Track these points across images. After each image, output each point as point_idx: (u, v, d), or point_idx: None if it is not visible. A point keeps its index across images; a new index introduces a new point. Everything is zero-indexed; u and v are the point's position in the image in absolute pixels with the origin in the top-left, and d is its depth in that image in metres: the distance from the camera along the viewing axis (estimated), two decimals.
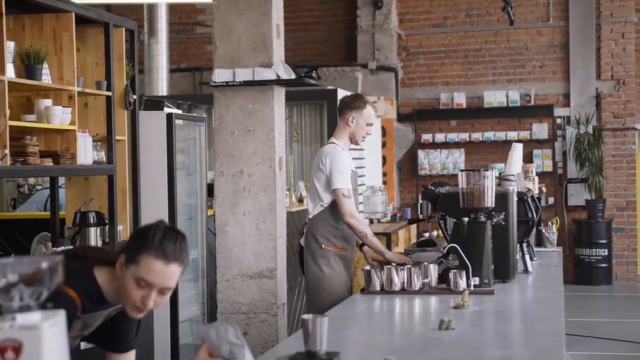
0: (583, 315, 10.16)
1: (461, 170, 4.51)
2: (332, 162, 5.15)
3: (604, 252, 12.28)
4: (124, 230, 5.86)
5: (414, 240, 10.48)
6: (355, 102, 5.34)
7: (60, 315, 1.82)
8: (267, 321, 5.78)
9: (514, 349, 3.09)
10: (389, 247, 8.68)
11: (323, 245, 5.23)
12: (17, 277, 1.78)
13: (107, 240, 5.62)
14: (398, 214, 11.47)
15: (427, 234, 12.25)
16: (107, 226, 5.59)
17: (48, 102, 5.03)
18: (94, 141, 5.49)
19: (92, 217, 5.46)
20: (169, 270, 2.58)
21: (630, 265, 12.68)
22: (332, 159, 5.17)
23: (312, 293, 5.27)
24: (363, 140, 5.44)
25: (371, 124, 5.37)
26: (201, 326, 2.40)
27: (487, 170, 4.48)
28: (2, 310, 1.79)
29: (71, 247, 4.93)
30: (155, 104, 6.45)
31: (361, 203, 9.89)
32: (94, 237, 5.47)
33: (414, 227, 11.38)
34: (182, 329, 6.50)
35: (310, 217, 5.36)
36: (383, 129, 12.51)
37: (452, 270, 4.28)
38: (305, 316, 2.76)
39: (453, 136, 12.92)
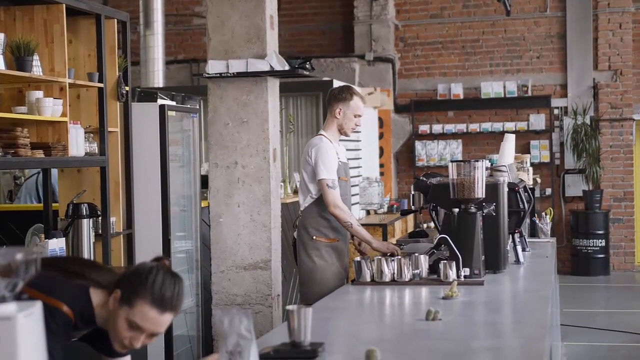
0: (580, 306, 10.17)
1: (451, 161, 4.52)
2: (317, 153, 5.18)
3: (601, 242, 12.29)
4: (117, 222, 5.86)
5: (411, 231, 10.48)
6: (342, 93, 5.36)
7: (36, 306, 1.82)
8: (261, 312, 5.79)
9: (498, 339, 3.10)
10: (384, 239, 8.69)
11: (314, 237, 5.25)
12: None
13: (99, 232, 5.62)
14: (395, 205, 11.47)
15: (424, 225, 12.27)
16: (99, 218, 5.59)
17: (39, 93, 5.02)
18: (86, 133, 5.48)
19: (84, 209, 5.45)
20: (163, 318, 2.60)
21: (628, 255, 12.68)
22: (317, 150, 5.20)
23: (305, 284, 5.29)
24: (353, 131, 5.44)
25: (359, 115, 5.36)
26: (219, 310, 2.46)
27: (478, 161, 4.47)
28: None
29: (65, 257, 4.86)
30: (149, 95, 6.45)
31: (357, 194, 9.91)
32: (87, 228, 5.47)
33: (410, 218, 11.39)
34: (176, 320, 6.49)
35: (301, 209, 5.38)
36: (380, 120, 12.51)
37: (442, 261, 4.28)
38: (290, 307, 2.78)
39: (450, 127, 12.91)
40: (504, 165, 5.19)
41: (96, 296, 2.68)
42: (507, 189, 4.83)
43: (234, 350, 2.78)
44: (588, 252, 12.29)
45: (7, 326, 1.75)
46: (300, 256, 5.31)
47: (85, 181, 5.75)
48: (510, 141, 5.55)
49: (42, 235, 5.48)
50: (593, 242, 12.28)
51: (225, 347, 2.79)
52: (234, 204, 5.87)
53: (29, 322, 1.79)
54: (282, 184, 8.26)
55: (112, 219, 5.76)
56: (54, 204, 5.79)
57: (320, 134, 5.38)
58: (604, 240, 12.30)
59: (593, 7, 12.63)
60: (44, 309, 2.09)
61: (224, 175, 6.13)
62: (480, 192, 4.44)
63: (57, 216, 5.74)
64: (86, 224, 5.47)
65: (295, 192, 8.10)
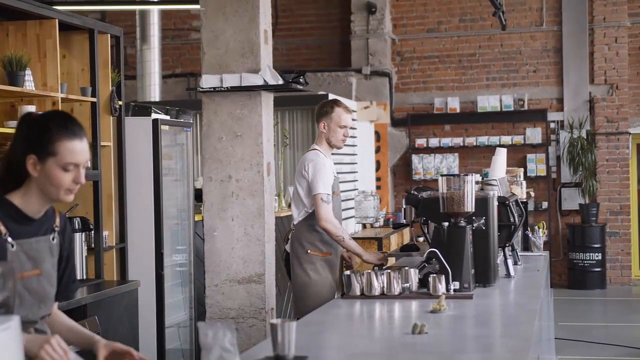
0: (576, 319, 10.17)
1: (441, 175, 4.53)
2: (315, 169, 5.22)
3: (597, 256, 12.29)
4: (109, 236, 5.87)
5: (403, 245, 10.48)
6: (323, 108, 5.45)
7: (14, 321, 1.84)
8: (255, 326, 5.79)
9: (483, 352, 3.10)
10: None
11: (309, 251, 5.27)
12: None
13: (92, 246, 5.63)
14: (392, 219, 11.48)
15: (421, 239, 12.27)
16: (92, 232, 5.60)
17: (32, 108, 5.05)
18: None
19: (77, 223, 5.47)
20: (84, 145, 2.75)
21: (624, 269, 12.68)
22: (315, 165, 5.23)
23: (299, 298, 5.31)
24: (344, 142, 5.47)
25: (344, 126, 5.39)
26: (202, 323, 2.49)
27: (467, 175, 4.49)
28: None
29: None
30: (143, 109, 6.47)
31: (352, 208, 9.92)
32: (79, 243, 5.48)
33: (407, 231, 11.39)
34: (169, 334, 6.51)
35: (294, 222, 5.40)
36: (377, 134, 12.54)
37: (432, 275, 4.29)
38: (274, 321, 2.79)
39: (447, 141, 12.94)
40: (495, 180, 5.20)
41: (14, 197, 2.74)
42: (498, 203, 4.84)
43: None
44: (584, 265, 12.29)
45: None
46: (295, 270, 5.33)
47: (78, 195, 5.71)
48: (501, 155, 5.57)
49: None
50: (589, 256, 12.28)
51: None
52: (228, 218, 5.88)
53: (6, 336, 1.80)
54: (277, 197, 8.29)
55: (105, 233, 5.78)
56: None
57: (315, 149, 5.41)
58: (600, 254, 12.30)
59: (589, 21, 12.68)
60: None
61: (218, 189, 6.14)
62: (470, 206, 4.45)
63: None
64: (79, 238, 5.49)
65: (290, 205, 8.11)
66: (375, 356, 2.97)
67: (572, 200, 12.64)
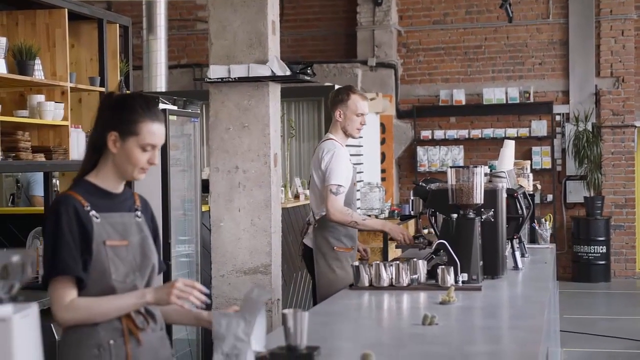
0: (580, 312, 10.18)
1: (450, 167, 4.52)
2: (332, 159, 5.14)
3: (602, 249, 12.29)
4: None
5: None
6: (338, 95, 5.33)
7: (32, 308, 1.84)
8: None
9: (493, 344, 3.11)
10: (385, 243, 8.67)
11: (335, 247, 5.20)
12: None
13: None
14: (397, 211, 11.48)
15: (425, 231, 12.27)
16: None
17: (41, 97, 5.05)
18: (87, 137, 5.52)
19: None
20: (163, 128, 2.87)
21: (629, 262, 12.68)
22: (331, 155, 5.15)
23: (324, 295, 5.19)
24: (360, 132, 5.37)
25: (361, 114, 5.30)
26: (216, 312, 2.56)
27: (476, 167, 4.49)
28: None
29: None
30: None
31: (358, 199, 9.92)
32: None
33: (412, 223, 11.39)
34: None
35: (317, 217, 5.31)
36: (382, 126, 12.53)
37: (440, 267, 4.29)
38: (286, 311, 2.79)
39: (452, 133, 12.93)
40: (503, 172, 5.20)
41: (91, 177, 2.86)
42: (506, 195, 4.84)
43: (231, 352, 2.80)
44: (589, 258, 12.29)
45: (3, 328, 1.77)
46: (320, 267, 5.23)
47: None
48: (509, 147, 5.57)
49: None
50: (594, 249, 12.29)
51: (222, 349, 2.81)
52: (235, 209, 5.88)
53: (25, 323, 1.80)
54: (283, 189, 8.28)
55: None
56: None
57: (331, 138, 5.31)
58: (605, 247, 12.30)
59: (595, 14, 12.65)
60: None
61: (224, 180, 6.14)
62: (478, 197, 4.45)
63: None
64: None
65: (297, 196, 8.12)
66: (386, 347, 2.97)
67: (577, 193, 12.63)
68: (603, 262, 12.31)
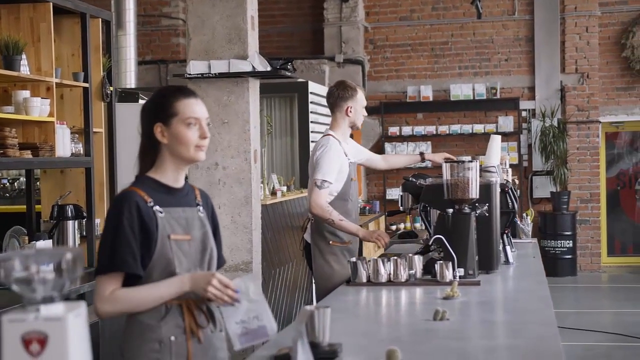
0: None
1: (445, 161, 4.52)
2: (322, 154, 5.14)
3: (568, 243, 12.42)
4: (101, 224, 5.79)
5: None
6: (348, 91, 5.38)
7: (82, 307, 1.79)
8: None
9: (512, 338, 3.11)
10: (360, 243, 8.66)
11: (331, 242, 5.19)
12: (39, 268, 1.76)
13: (84, 233, 5.55)
14: (367, 207, 11.51)
15: (402, 226, 12.31)
16: (85, 219, 5.52)
17: (26, 93, 4.95)
18: (71, 133, 5.42)
19: (70, 210, 5.39)
20: (200, 102, 2.93)
21: (594, 256, 12.84)
22: (324, 150, 5.15)
23: (322, 289, 5.19)
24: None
25: (364, 106, 5.49)
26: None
27: (472, 161, 4.49)
28: (25, 301, 1.76)
29: None
30: (130, 95, 6.39)
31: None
32: (72, 230, 5.40)
33: (382, 219, 11.42)
34: None
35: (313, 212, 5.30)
36: None
37: (439, 262, 4.29)
38: (309, 307, 2.76)
39: (420, 129, 12.97)
40: (493, 166, 5.22)
41: (150, 173, 2.90)
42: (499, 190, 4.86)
43: (247, 317, 2.78)
44: (556, 253, 12.42)
45: (58, 327, 1.72)
46: (317, 261, 5.23)
47: (69, 182, 5.67)
48: (496, 142, 5.59)
49: (25, 238, 5.40)
50: (561, 243, 12.42)
51: (235, 319, 2.79)
52: (215, 206, 5.81)
53: (77, 322, 1.76)
54: (261, 185, 8.24)
55: (97, 221, 5.70)
56: (36, 206, 5.71)
57: (329, 134, 5.31)
58: (571, 241, 12.44)
59: (560, 10, 12.77)
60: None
61: (204, 177, 6.10)
62: (474, 192, 4.46)
63: (40, 218, 5.66)
64: (71, 226, 5.41)
65: (274, 193, 8.08)
66: (405, 343, 2.95)
67: (543, 188, 12.75)
68: (569, 257, 12.45)
